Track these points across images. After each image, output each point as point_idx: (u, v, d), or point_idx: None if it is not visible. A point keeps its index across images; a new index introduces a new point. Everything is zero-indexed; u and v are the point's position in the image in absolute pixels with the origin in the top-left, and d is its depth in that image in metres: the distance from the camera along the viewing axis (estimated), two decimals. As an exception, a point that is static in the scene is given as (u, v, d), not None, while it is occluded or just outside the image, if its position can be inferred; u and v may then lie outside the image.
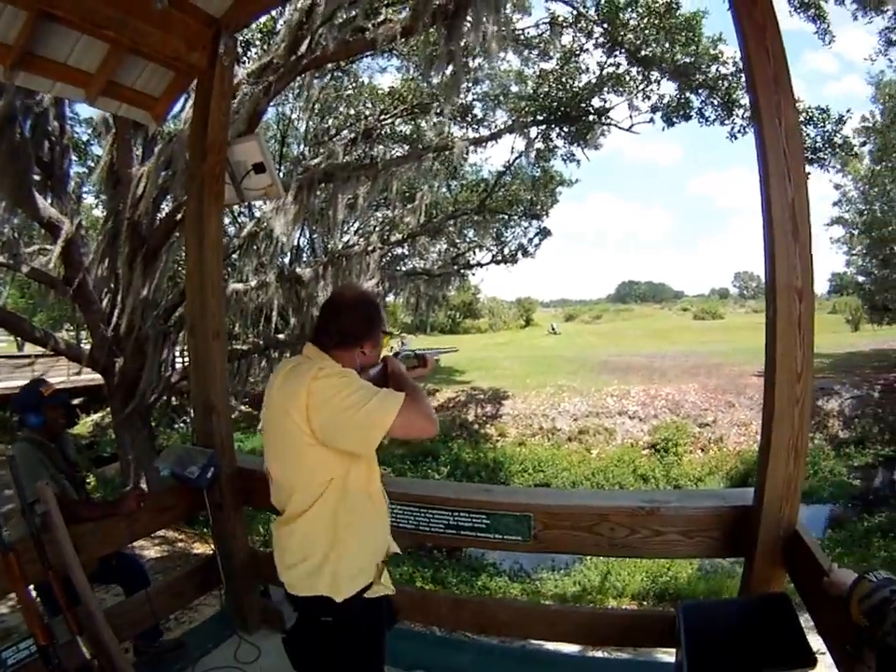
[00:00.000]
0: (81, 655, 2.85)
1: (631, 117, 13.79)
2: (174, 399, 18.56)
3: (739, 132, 12.47)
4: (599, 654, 4.20)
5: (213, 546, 4.08)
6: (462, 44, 9.04)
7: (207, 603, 4.64)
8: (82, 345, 12.36)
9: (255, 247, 12.28)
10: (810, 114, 12.33)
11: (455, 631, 4.39)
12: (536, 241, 18.85)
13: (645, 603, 11.48)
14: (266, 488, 2.78)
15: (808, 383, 2.68)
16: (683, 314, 74.27)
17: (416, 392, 2.47)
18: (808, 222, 2.61)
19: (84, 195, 14.63)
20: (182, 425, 20.96)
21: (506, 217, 18.08)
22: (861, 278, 31.48)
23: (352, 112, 14.70)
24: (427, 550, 13.57)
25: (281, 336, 13.08)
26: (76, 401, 18.86)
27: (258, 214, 11.74)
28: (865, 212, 26.03)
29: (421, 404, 2.40)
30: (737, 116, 12.32)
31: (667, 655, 3.58)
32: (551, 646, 4.13)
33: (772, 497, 2.79)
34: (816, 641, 2.46)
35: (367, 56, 12.50)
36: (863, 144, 22.29)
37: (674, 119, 13.18)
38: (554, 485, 19.55)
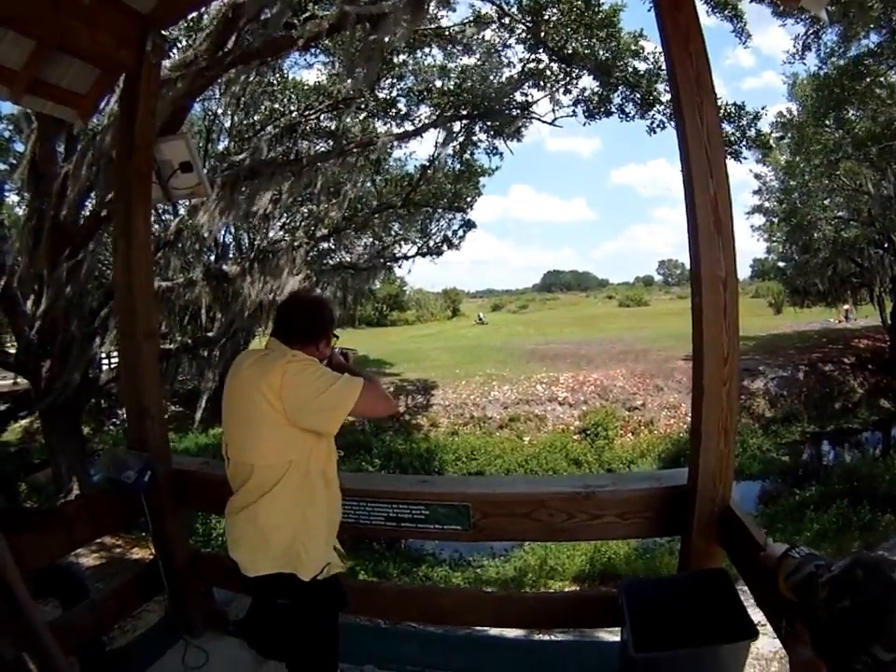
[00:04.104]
0: (28, 674, 2.78)
1: (554, 111, 13.85)
2: (102, 401, 18.20)
3: (658, 126, 12.61)
4: (545, 637, 4.23)
5: (153, 550, 3.99)
6: (386, 40, 8.98)
7: (150, 609, 4.51)
8: (7, 349, 12.02)
9: (181, 245, 12.20)
10: (727, 110, 12.50)
11: (400, 622, 4.40)
12: (460, 233, 19.00)
13: (586, 584, 11.62)
14: (203, 488, 2.79)
15: (735, 365, 2.79)
16: (609, 301, 75.22)
17: (370, 378, 2.70)
18: (731, 216, 2.72)
19: (7, 194, 14.20)
20: (112, 427, 20.54)
21: (430, 209, 18.08)
22: (781, 264, 32.63)
23: (277, 107, 14.47)
24: (366, 542, 13.56)
25: (210, 334, 12.90)
26: (1, 407, 18.34)
27: (183, 211, 11.49)
28: (785, 201, 26.71)
29: (378, 387, 2.70)
30: (657, 111, 12.46)
31: (612, 635, 3.64)
32: (495, 631, 4.16)
33: (705, 476, 2.88)
34: (757, 614, 2.52)
35: (293, 51, 12.34)
36: (781, 138, 22.88)
37: (595, 115, 13.28)
38: (489, 473, 19.65)
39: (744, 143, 13.04)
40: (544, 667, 3.76)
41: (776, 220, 28.96)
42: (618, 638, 3.06)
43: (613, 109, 13.00)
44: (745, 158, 13.28)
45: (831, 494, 14.44)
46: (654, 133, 12.66)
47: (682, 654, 2.52)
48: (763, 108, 12.98)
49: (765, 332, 30.85)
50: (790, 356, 25.48)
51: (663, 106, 12.27)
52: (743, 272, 62.95)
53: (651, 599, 2.82)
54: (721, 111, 12.19)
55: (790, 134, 22.77)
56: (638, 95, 12.40)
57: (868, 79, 15.31)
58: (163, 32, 3.81)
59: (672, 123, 11.79)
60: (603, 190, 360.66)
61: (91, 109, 3.95)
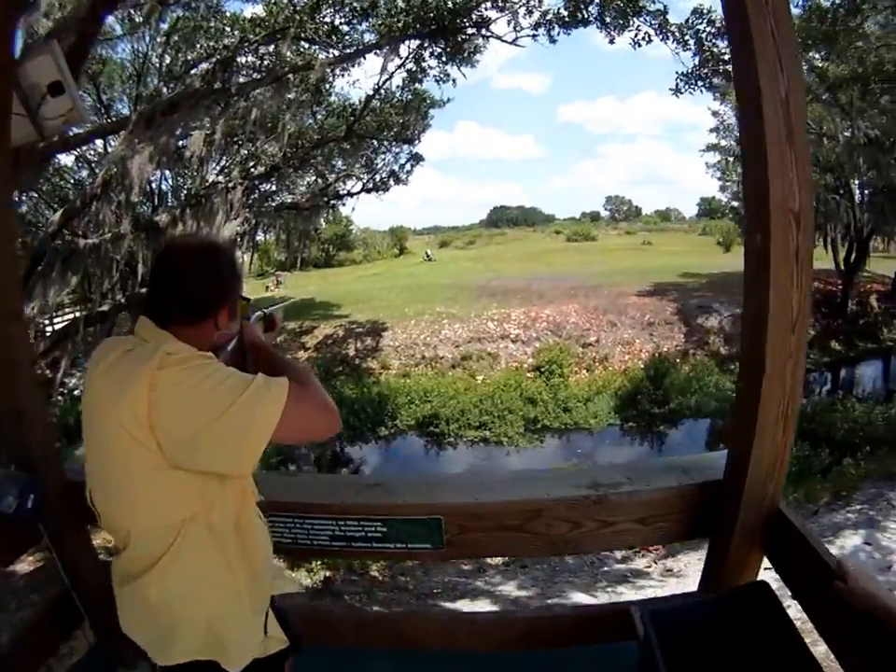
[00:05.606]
0: None
1: (516, 30, 13.05)
2: (48, 371, 17.40)
3: (644, 39, 11.59)
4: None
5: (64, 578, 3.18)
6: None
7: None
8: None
9: (111, 196, 11.22)
10: (722, 24, 11.42)
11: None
12: (408, 167, 18.50)
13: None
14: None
15: (804, 331, 2.07)
16: (556, 236, 75.76)
17: (301, 372, 1.73)
18: (804, 127, 1.97)
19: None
20: (60, 398, 19.59)
21: (376, 142, 17.50)
22: (735, 203, 32.79)
23: (212, 44, 13.57)
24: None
25: (144, 290, 12.17)
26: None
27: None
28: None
29: (313, 389, 1.67)
30: (642, 22, 11.46)
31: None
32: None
33: (756, 475, 2.26)
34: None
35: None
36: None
37: (555, 34, 12.37)
38: (443, 415, 19.69)
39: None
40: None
41: (731, 159, 29.05)
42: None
43: (592, 18, 11.87)
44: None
45: (789, 436, 14.39)
46: (639, 46, 11.64)
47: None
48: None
49: (716, 270, 30.95)
50: (743, 294, 25.41)
51: (651, 17, 11.34)
52: (690, 210, 64.60)
53: (680, 629, 2.26)
54: (717, 24, 11.43)
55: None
56: (618, 3, 11.45)
57: (861, 16, 14.68)
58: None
59: (660, 36, 11.27)
60: (551, 127, 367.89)
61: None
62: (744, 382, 2.25)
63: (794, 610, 2.22)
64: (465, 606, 6.45)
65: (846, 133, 21.06)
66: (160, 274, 1.74)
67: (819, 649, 2.09)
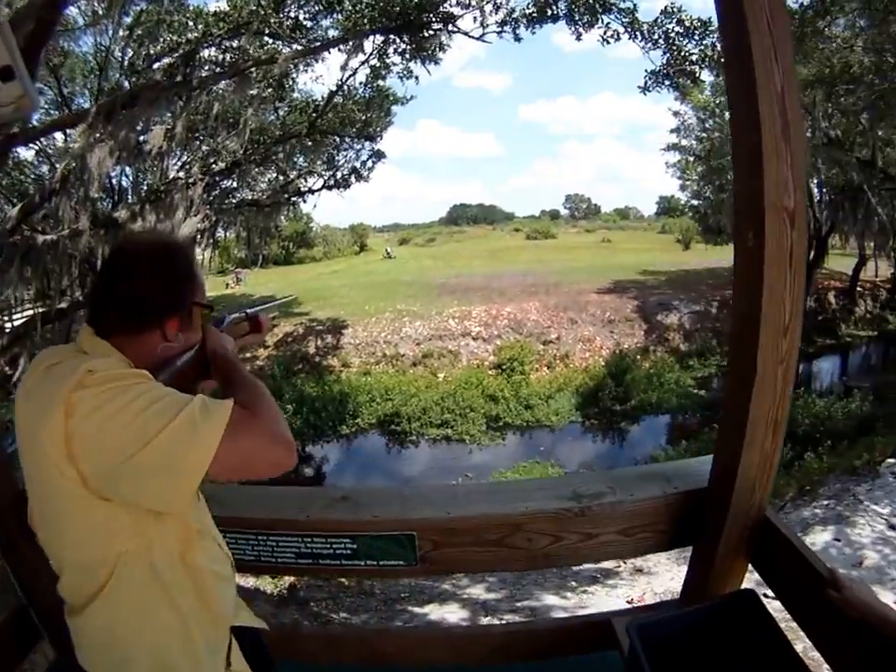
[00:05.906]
0: None
1: (484, 25, 13.06)
2: (7, 368, 17.14)
3: (613, 37, 11.70)
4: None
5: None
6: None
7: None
8: None
9: (70, 191, 11.03)
10: (693, 24, 11.61)
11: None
12: (369, 164, 18.36)
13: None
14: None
15: (797, 335, 1.98)
16: (516, 234, 76.12)
17: (256, 394, 1.46)
18: (801, 123, 1.89)
19: None
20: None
21: (338, 139, 17.44)
22: (695, 202, 33.17)
23: (175, 38, 13.39)
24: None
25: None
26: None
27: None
28: (704, 140, 27.06)
29: (264, 415, 1.38)
30: (612, 20, 11.54)
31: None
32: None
33: (744, 481, 2.20)
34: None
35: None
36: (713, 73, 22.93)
37: (520, 32, 12.45)
38: (405, 413, 19.69)
39: (705, 63, 12.12)
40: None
41: (691, 159, 29.53)
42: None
43: (560, 15, 11.89)
44: (701, 81, 12.62)
45: (750, 430, 14.71)
46: (607, 43, 11.76)
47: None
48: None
49: (675, 268, 31.77)
50: (702, 292, 26.03)
51: (622, 14, 11.41)
52: (648, 208, 65.39)
53: (663, 640, 2.17)
54: (686, 23, 11.56)
55: (713, 73, 22.66)
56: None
57: (829, 17, 14.77)
58: None
59: (629, 34, 11.31)
60: (511, 126, 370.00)
61: None
62: (732, 385, 2.21)
63: (772, 609, 2.21)
64: (433, 610, 6.39)
65: (807, 134, 21.27)
66: (106, 274, 1.55)
67: (808, 654, 2.10)
